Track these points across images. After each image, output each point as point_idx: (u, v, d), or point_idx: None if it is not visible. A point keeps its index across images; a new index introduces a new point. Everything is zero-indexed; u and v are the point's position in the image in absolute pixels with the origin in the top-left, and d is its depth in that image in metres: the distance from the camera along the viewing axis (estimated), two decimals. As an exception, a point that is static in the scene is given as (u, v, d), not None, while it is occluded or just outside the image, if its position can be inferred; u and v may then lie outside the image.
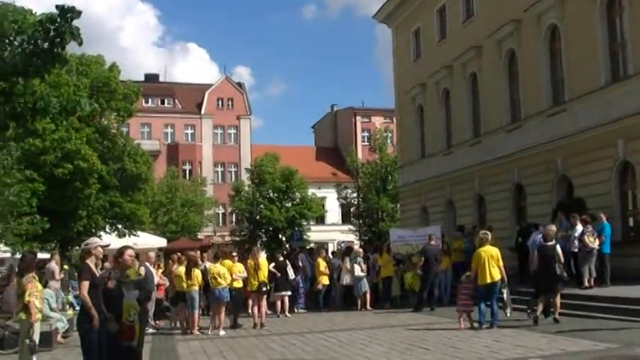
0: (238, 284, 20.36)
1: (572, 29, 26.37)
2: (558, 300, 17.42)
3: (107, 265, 18.02)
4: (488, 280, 17.16)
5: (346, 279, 25.49)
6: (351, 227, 63.81)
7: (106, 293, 10.41)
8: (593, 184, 24.67)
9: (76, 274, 32.69)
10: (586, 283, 20.21)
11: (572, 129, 25.76)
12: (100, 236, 35.02)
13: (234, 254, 21.86)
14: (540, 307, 17.35)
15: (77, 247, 37.66)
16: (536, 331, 16.12)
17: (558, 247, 17.73)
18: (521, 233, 25.23)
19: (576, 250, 20.70)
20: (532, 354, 12.99)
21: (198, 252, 24.17)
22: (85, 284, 10.57)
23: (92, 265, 10.95)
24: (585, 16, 25.56)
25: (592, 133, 24.76)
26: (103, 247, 11.13)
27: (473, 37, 33.07)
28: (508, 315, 17.74)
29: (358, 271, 25.00)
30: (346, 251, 27.25)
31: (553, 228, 19.00)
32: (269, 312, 22.20)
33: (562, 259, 17.63)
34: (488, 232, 18.54)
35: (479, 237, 18.74)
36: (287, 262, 24.33)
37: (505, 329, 16.69)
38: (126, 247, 11.17)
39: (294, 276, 24.18)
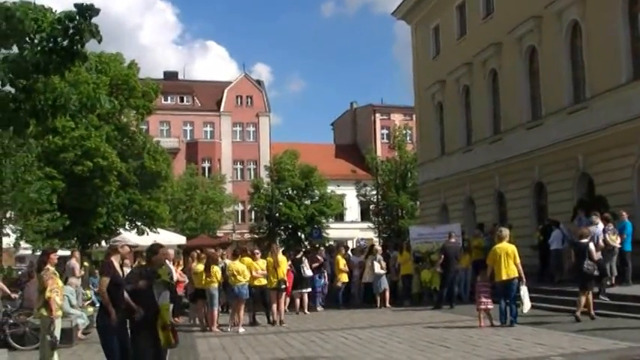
0: (260, 282, 20.33)
1: (594, 26, 26.18)
2: (584, 299, 17.27)
3: (126, 262, 18.08)
4: (504, 277, 17.07)
5: (367, 277, 25.48)
6: (371, 225, 63.78)
7: (137, 292, 10.37)
8: (615, 181, 24.49)
9: (97, 270, 32.97)
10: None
11: (594, 126, 25.59)
12: (119, 234, 35.27)
13: (257, 252, 21.67)
14: (589, 303, 17.26)
15: (97, 245, 37.92)
16: (557, 329, 16.04)
17: (591, 245, 17.61)
18: (542, 231, 25.13)
19: (597, 248, 20.57)
20: (553, 352, 12.92)
21: (220, 250, 24.17)
22: (105, 281, 10.60)
23: (116, 263, 10.93)
24: (607, 13, 25.37)
25: (613, 131, 24.56)
26: (131, 247, 11.12)
27: (493, 34, 32.91)
28: (525, 311, 17.60)
29: (378, 268, 24.95)
30: (370, 250, 27.22)
31: (598, 223, 18.95)
32: (287, 310, 22.20)
33: (594, 257, 17.46)
34: (505, 229, 18.44)
35: (496, 234, 18.64)
36: (304, 259, 24.31)
37: (526, 327, 16.61)
38: (159, 245, 11.19)
39: (311, 273, 24.08)
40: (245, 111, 78.12)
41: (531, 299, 17.91)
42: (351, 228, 69.44)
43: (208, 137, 76.65)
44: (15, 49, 10.73)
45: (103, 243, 37.62)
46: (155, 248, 10.91)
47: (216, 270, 19.81)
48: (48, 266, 12.65)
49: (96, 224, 35.18)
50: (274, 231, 59.81)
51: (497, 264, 17.17)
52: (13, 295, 17.53)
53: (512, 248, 17.40)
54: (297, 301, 23.37)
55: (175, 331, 10.74)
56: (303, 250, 30.12)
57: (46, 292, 12.29)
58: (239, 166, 77.34)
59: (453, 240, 23.72)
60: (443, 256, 23.25)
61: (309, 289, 23.89)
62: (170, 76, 78.65)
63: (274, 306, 20.32)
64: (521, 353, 13.14)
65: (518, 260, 17.30)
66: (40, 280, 12.47)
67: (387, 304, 24.65)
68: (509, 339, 14.95)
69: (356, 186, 64.74)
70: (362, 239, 47.19)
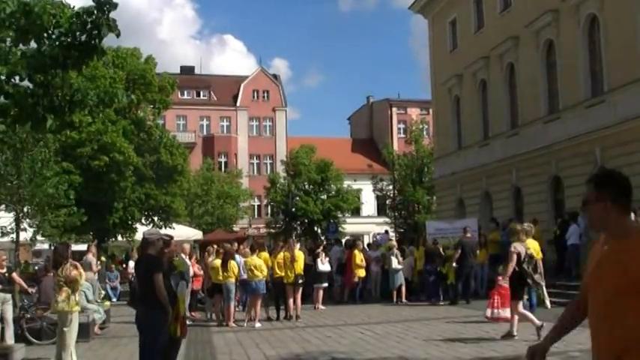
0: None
1: (612, 19, 26.03)
2: None
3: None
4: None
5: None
6: (387, 219, 63.63)
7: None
8: (633, 175, 24.24)
9: (113, 265, 33.00)
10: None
11: (612, 120, 25.45)
12: (135, 229, 35.32)
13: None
14: None
15: (113, 239, 38.03)
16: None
17: None
18: (560, 226, 25.00)
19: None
20: (571, 348, 12.79)
21: (236, 244, 24.18)
22: (161, 277, 9.67)
23: None
24: (625, 6, 25.24)
25: (631, 124, 24.42)
26: (165, 240, 10.75)
27: (510, 28, 32.78)
28: (549, 307, 17.56)
29: (395, 263, 24.91)
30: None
31: None
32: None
33: None
34: (532, 225, 18.33)
35: (524, 229, 18.47)
36: (321, 253, 24.29)
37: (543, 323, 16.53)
38: (171, 237, 11.13)
39: (328, 268, 23.97)
40: (261, 105, 78.13)
41: (548, 294, 17.86)
42: (368, 223, 69.29)
43: (225, 132, 76.68)
44: (33, 45, 10.74)
45: (119, 237, 37.80)
46: (168, 240, 10.77)
47: (234, 265, 19.84)
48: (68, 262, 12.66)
49: (112, 219, 35.28)
50: (290, 226, 59.76)
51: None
52: (30, 290, 17.61)
53: (537, 244, 17.43)
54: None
55: (184, 323, 10.45)
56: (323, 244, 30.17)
57: (77, 285, 12.32)
58: (255, 161, 77.39)
59: (468, 235, 23.68)
60: (460, 252, 23.20)
61: (326, 284, 23.88)
62: (187, 70, 78.81)
63: (290, 301, 20.33)
64: (538, 349, 13.04)
65: (540, 256, 17.30)
66: (63, 276, 12.42)
67: (404, 299, 24.63)
68: (527, 334, 14.87)
69: (372, 180, 64.55)
70: (378, 234, 46.98)
